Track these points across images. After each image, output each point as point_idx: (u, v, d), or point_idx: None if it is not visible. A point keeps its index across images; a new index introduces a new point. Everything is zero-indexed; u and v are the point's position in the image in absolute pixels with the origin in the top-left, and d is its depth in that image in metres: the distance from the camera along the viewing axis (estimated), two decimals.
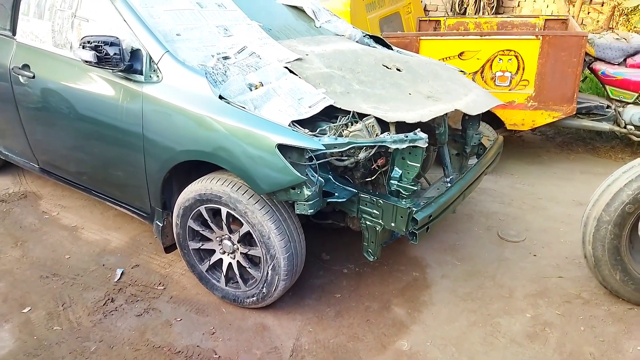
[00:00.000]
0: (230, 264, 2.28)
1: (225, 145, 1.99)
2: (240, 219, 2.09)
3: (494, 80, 3.54)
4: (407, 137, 1.97)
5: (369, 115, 2.07)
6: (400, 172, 2.07)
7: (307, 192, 1.89)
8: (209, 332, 2.18)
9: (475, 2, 6.53)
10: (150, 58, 2.21)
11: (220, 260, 2.31)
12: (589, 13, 6.62)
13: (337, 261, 2.68)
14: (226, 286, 2.32)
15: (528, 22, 4.42)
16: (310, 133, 1.95)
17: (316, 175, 1.92)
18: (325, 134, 2.02)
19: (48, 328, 2.20)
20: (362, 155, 2.00)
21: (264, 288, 2.17)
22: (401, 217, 1.98)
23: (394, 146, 1.95)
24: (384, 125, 2.07)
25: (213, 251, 2.32)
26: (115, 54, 2.16)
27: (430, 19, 4.65)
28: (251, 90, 2.14)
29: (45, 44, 2.63)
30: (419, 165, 2.03)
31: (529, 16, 4.73)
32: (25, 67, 2.68)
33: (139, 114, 2.23)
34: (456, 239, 2.91)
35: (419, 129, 2.02)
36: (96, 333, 2.17)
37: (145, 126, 2.22)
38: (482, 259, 2.71)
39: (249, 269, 2.21)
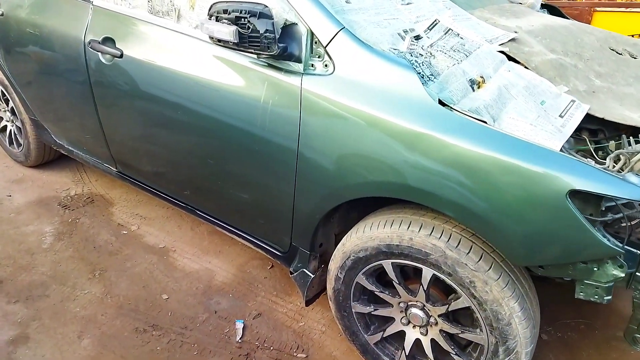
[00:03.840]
0: (417, 340, 1.59)
1: (455, 180, 1.25)
2: (459, 289, 1.38)
3: None
4: None
5: None
6: None
7: (613, 271, 1.17)
8: None
9: None
10: (313, 38, 1.48)
11: (401, 332, 1.63)
12: None
13: None
14: None
15: None
16: (600, 166, 1.21)
17: (617, 241, 1.19)
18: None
19: None
20: None
21: None
22: None
23: None
24: None
25: (390, 319, 1.64)
26: (267, 31, 1.43)
27: None
28: (473, 89, 1.40)
29: (136, 9, 1.90)
30: None
31: None
32: (108, 41, 1.96)
33: (294, 120, 1.51)
34: None
35: None
36: None
37: (303, 138, 1.50)
38: None
39: (455, 357, 1.52)
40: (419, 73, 1.36)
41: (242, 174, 1.75)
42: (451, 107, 1.29)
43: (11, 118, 3.00)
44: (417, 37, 1.53)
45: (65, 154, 2.72)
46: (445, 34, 1.59)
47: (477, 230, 1.29)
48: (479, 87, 1.40)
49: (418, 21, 1.62)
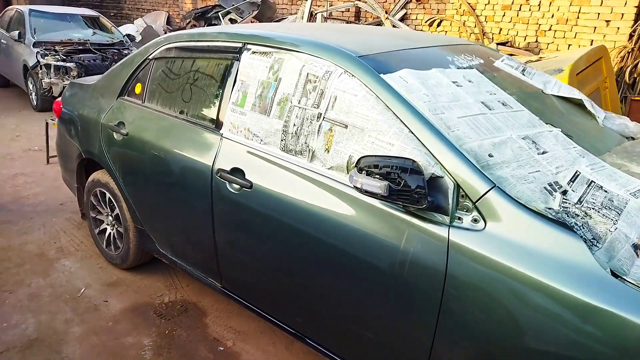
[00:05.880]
0: None
1: None
2: None
3: None
4: None
5: None
6: None
7: None
8: None
9: None
10: (459, 192, 1.51)
11: None
12: None
13: None
14: None
15: None
16: None
17: None
18: None
19: None
20: None
21: None
22: None
23: None
24: None
25: None
26: (418, 187, 1.47)
27: None
28: (637, 255, 1.36)
29: (268, 146, 2.01)
30: None
31: None
32: (237, 172, 2.07)
33: (439, 272, 1.50)
34: None
35: None
36: None
37: (449, 290, 1.49)
38: None
39: None
40: (582, 237, 1.34)
41: (370, 312, 1.73)
42: (624, 279, 1.25)
43: (113, 223, 3.14)
44: (564, 192, 1.54)
45: (167, 262, 2.80)
46: (588, 186, 1.59)
47: None
48: None
49: (558, 172, 1.63)
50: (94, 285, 3.02)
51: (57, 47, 7.42)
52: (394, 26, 8.05)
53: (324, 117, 1.83)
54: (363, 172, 1.54)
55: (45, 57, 7.13)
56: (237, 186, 2.06)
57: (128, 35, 8.80)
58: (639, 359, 1.18)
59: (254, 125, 2.06)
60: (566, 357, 1.28)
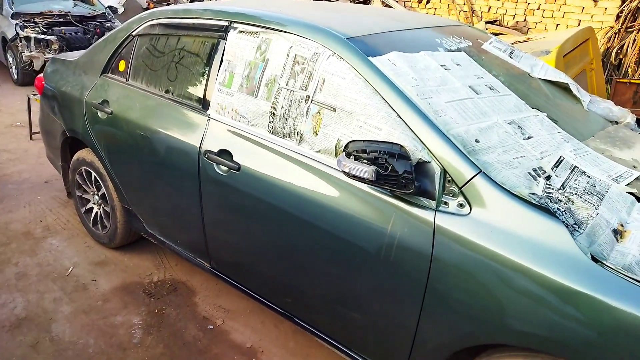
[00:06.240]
0: None
1: (621, 346, 1.23)
2: None
3: None
4: None
5: None
6: None
7: None
8: None
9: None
10: (446, 177, 1.53)
11: None
12: None
13: None
14: None
15: None
16: None
17: None
18: None
19: None
20: None
21: None
22: None
23: None
24: None
25: None
26: (405, 172, 1.48)
27: (632, 81, 3.82)
28: (617, 240, 1.40)
29: (256, 128, 2.00)
30: None
31: None
32: (225, 154, 2.06)
33: (425, 255, 1.53)
34: None
35: None
36: None
37: (434, 274, 1.52)
38: None
39: None
40: (564, 222, 1.38)
41: (357, 293, 1.77)
42: (603, 264, 1.29)
43: (99, 202, 3.12)
44: (548, 177, 1.56)
45: (155, 242, 2.80)
46: (571, 171, 1.62)
47: None
48: (622, 237, 1.41)
49: (543, 157, 1.66)
50: (82, 264, 3.02)
51: (36, 19, 7.19)
52: (383, 2, 7.94)
53: (312, 100, 1.82)
54: (351, 156, 1.55)
55: (25, 30, 6.91)
56: (224, 168, 2.05)
57: (110, 7, 8.55)
58: (617, 340, 1.22)
59: (241, 107, 2.04)
60: (548, 338, 1.33)
